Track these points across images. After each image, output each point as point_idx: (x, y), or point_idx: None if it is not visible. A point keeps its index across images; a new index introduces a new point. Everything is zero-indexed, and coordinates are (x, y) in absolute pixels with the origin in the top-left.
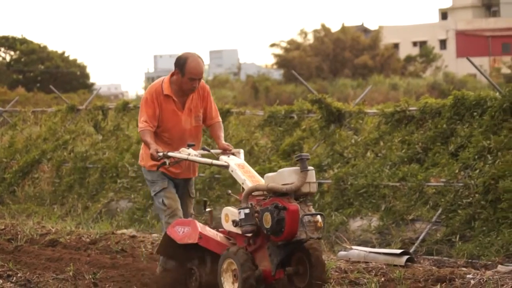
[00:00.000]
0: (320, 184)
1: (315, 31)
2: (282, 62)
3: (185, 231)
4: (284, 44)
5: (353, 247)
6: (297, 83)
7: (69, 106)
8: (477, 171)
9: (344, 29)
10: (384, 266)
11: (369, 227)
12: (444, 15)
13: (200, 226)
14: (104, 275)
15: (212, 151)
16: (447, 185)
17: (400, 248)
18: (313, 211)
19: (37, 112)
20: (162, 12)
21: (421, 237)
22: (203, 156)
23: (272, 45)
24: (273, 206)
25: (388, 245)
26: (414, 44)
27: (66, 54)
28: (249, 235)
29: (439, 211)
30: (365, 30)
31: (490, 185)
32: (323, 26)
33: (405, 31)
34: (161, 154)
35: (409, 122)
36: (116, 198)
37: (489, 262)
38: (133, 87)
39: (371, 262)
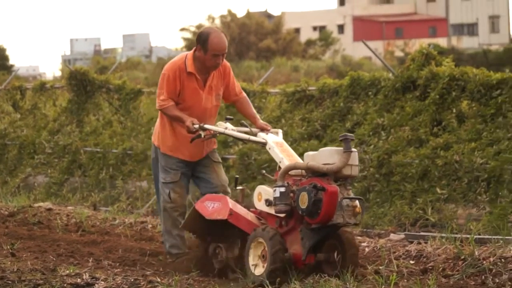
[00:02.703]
0: (225, 159)
1: (222, 16)
2: (191, 45)
3: (215, 206)
4: (193, 29)
5: None
6: None
7: None
8: (372, 146)
9: (249, 15)
10: None
11: None
12: (342, 1)
13: (231, 203)
14: (21, 245)
15: (251, 129)
16: None
17: None
18: (352, 195)
19: None
20: None
21: None
22: (240, 132)
23: (182, 29)
24: (311, 186)
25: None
26: (314, 28)
27: None
28: (282, 215)
29: None
30: (269, 16)
31: (383, 159)
32: (229, 11)
33: (306, 16)
34: (197, 126)
35: (308, 101)
36: (33, 173)
37: (383, 231)
38: (51, 69)
39: None
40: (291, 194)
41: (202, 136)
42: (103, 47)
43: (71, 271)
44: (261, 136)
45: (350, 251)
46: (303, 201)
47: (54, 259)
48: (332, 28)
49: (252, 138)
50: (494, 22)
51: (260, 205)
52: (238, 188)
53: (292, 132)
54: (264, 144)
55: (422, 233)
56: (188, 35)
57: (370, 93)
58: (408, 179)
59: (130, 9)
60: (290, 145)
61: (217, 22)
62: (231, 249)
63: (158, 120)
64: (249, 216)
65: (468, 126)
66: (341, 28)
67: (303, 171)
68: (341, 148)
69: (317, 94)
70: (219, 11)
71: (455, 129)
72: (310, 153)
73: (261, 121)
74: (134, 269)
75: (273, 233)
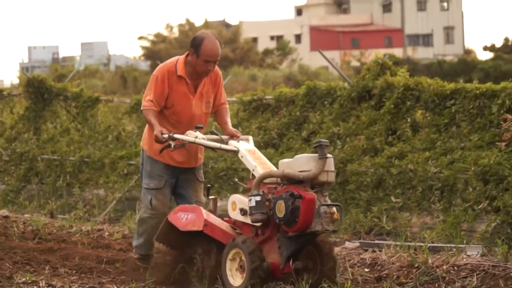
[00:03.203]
0: None
1: (180, 25)
2: (149, 54)
3: (189, 217)
4: (151, 37)
5: None
6: None
7: None
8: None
9: (207, 24)
10: None
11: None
12: (299, 11)
13: (205, 213)
14: None
15: (221, 136)
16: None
17: None
18: (329, 201)
19: None
20: (35, 4)
21: None
22: (210, 140)
23: (140, 38)
24: (288, 194)
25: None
26: (272, 38)
27: None
28: (258, 224)
29: None
30: (227, 25)
31: (339, 168)
32: (187, 20)
33: (263, 26)
34: (166, 135)
35: (265, 110)
36: None
37: (338, 239)
38: (9, 76)
39: None
40: (267, 203)
41: (172, 146)
42: (61, 55)
43: (28, 278)
44: (233, 144)
45: (328, 264)
46: (280, 209)
47: (11, 266)
48: (290, 38)
49: (224, 146)
50: (448, 33)
51: (235, 215)
52: (210, 197)
53: None
54: (235, 152)
55: (377, 241)
56: (146, 44)
57: (326, 102)
58: (363, 187)
59: (89, 17)
60: None
61: (175, 30)
62: (207, 260)
63: (147, 124)
64: (224, 226)
65: (423, 135)
66: (298, 38)
67: (278, 179)
68: (317, 154)
69: (274, 103)
70: (177, 20)
71: (409, 138)
72: (285, 160)
73: (231, 127)
74: (90, 276)
75: (253, 247)
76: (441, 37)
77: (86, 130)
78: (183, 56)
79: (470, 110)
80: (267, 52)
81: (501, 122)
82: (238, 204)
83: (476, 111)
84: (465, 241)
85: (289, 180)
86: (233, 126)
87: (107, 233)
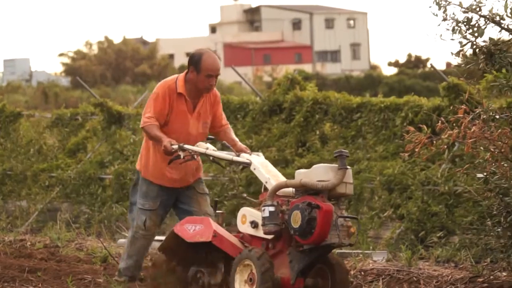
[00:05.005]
0: (102, 179)
1: (99, 43)
2: (70, 70)
3: (197, 228)
4: (71, 54)
5: None
6: (83, 89)
7: None
8: (241, 166)
9: (125, 41)
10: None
11: None
12: (213, 29)
13: (214, 224)
14: None
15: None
16: (215, 179)
17: None
18: (345, 214)
19: None
20: None
21: None
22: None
23: (61, 54)
24: (304, 204)
25: (163, 233)
26: (187, 54)
27: None
28: (270, 237)
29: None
30: (144, 42)
31: (251, 178)
32: (106, 38)
33: (179, 43)
34: (176, 146)
35: None
36: None
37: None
38: None
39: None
40: (280, 215)
41: (182, 157)
42: None
43: None
44: (245, 157)
45: (341, 275)
46: (296, 220)
47: None
48: None
49: (236, 158)
50: (355, 49)
51: (245, 228)
52: (217, 212)
53: None
54: (248, 165)
55: None
56: (67, 60)
57: (239, 116)
58: None
59: (11, 34)
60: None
61: (95, 47)
62: (213, 274)
63: (143, 144)
64: (233, 239)
65: (331, 147)
66: None
67: (293, 191)
68: (335, 165)
69: None
70: (96, 37)
71: (318, 150)
72: (302, 170)
73: (241, 144)
74: (13, 285)
75: (260, 252)
76: (348, 54)
77: (9, 143)
78: (182, 74)
79: (375, 122)
80: (183, 68)
81: (404, 134)
82: (248, 217)
83: (381, 124)
84: (371, 247)
85: (305, 190)
86: None
87: (29, 243)
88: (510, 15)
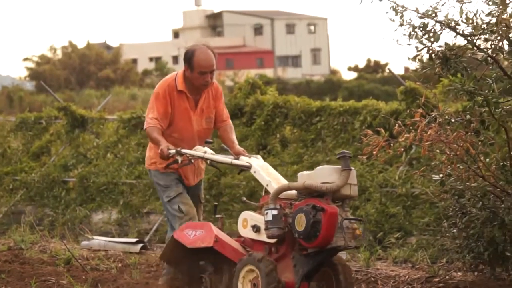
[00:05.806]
0: (65, 182)
1: (63, 47)
2: (34, 74)
3: (197, 234)
4: (36, 59)
5: (95, 237)
6: (47, 94)
7: None
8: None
9: (89, 46)
10: (122, 254)
11: (109, 220)
12: (176, 34)
13: (215, 229)
14: None
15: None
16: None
17: (136, 238)
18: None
19: None
20: None
21: (154, 228)
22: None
23: (25, 59)
24: (309, 207)
25: (126, 235)
26: (151, 59)
27: None
28: (272, 241)
29: None
30: (108, 47)
31: (213, 181)
32: (70, 42)
33: (143, 48)
34: (173, 151)
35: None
36: None
37: None
38: None
39: (110, 250)
40: (283, 218)
41: (179, 161)
42: None
43: None
44: (245, 160)
45: (345, 277)
46: (300, 223)
47: None
48: (167, 59)
49: (235, 161)
50: (315, 54)
51: (246, 232)
52: (217, 216)
53: (129, 156)
54: (248, 168)
55: None
56: (31, 65)
57: None
58: (236, 199)
59: None
60: (127, 169)
61: (59, 52)
62: (216, 279)
63: (148, 144)
64: (234, 244)
65: (291, 150)
66: (175, 59)
67: (295, 194)
68: (339, 166)
69: None
70: (60, 42)
71: (279, 153)
72: (305, 172)
73: (239, 146)
74: None
75: (262, 255)
76: (309, 58)
77: None
78: (181, 71)
79: (334, 126)
80: (146, 72)
81: (362, 137)
82: (249, 221)
83: (340, 127)
84: None
85: (309, 193)
86: (113, 142)
87: None
88: (465, 21)
